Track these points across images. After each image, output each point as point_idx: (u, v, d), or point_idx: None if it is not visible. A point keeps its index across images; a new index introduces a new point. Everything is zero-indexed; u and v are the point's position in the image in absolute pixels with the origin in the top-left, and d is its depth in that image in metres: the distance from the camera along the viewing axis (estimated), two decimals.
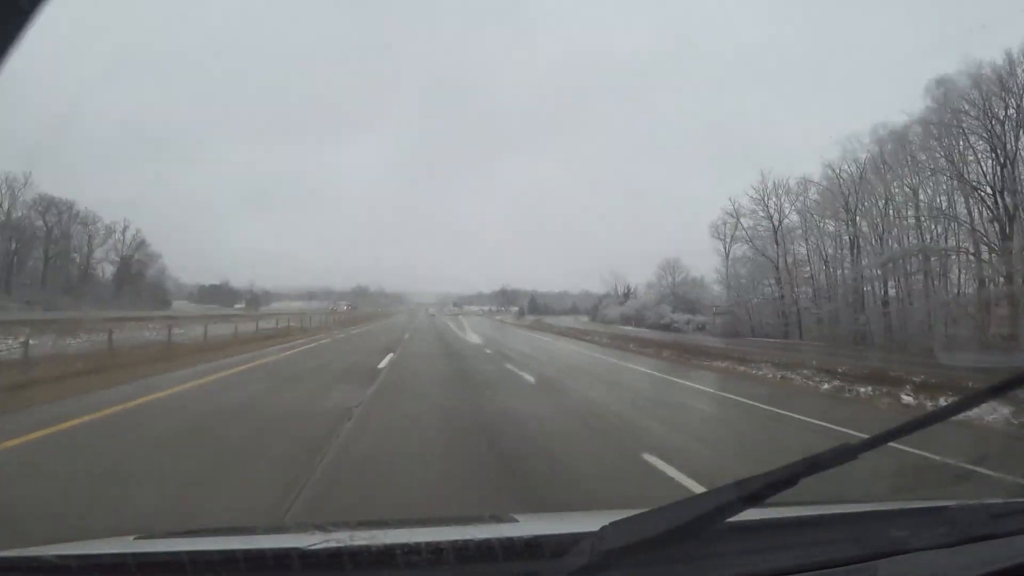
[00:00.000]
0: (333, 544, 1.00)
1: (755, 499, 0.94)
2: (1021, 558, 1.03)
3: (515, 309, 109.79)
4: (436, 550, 0.98)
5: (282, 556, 0.98)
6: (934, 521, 1.20)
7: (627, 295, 68.22)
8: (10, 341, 13.66)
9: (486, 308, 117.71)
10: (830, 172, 30.69)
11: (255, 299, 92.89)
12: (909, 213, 27.22)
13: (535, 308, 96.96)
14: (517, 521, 1.31)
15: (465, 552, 0.98)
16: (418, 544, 0.98)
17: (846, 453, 0.96)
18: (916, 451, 4.81)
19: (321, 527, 1.20)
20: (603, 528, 0.93)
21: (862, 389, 10.21)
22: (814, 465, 0.95)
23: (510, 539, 1.01)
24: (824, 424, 7.10)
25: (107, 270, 52.43)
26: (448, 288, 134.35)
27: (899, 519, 1.25)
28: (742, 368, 14.28)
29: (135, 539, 1.23)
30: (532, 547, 0.99)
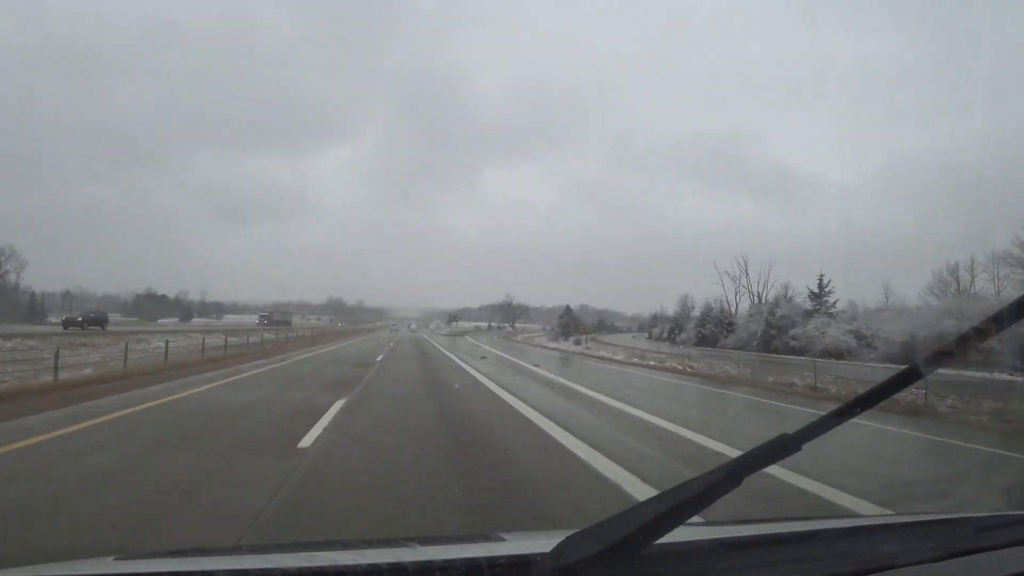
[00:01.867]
0: (319, 563, 0.99)
1: (703, 499, 0.87)
2: (1008, 571, 1.04)
3: (522, 323, 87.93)
4: (425, 569, 0.96)
5: None
6: (922, 536, 1.22)
7: (819, 297, 40.32)
8: None
9: (486, 324, 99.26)
10: None
11: (190, 312, 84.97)
12: None
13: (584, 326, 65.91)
14: (504, 540, 1.30)
15: (451, 571, 0.97)
16: (404, 563, 0.97)
17: (787, 445, 0.88)
18: None
19: (306, 546, 1.18)
20: (560, 542, 0.90)
21: None
22: (755, 461, 0.89)
23: (496, 557, 1.00)
24: None
25: None
26: (433, 304, 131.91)
27: (887, 534, 1.26)
28: None
29: (115, 559, 1.21)
30: (520, 565, 0.98)
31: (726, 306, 49.12)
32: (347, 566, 0.97)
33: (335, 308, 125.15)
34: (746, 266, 47.32)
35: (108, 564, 1.18)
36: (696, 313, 56.31)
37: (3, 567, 1.21)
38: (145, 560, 1.23)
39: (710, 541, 1.10)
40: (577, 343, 41.50)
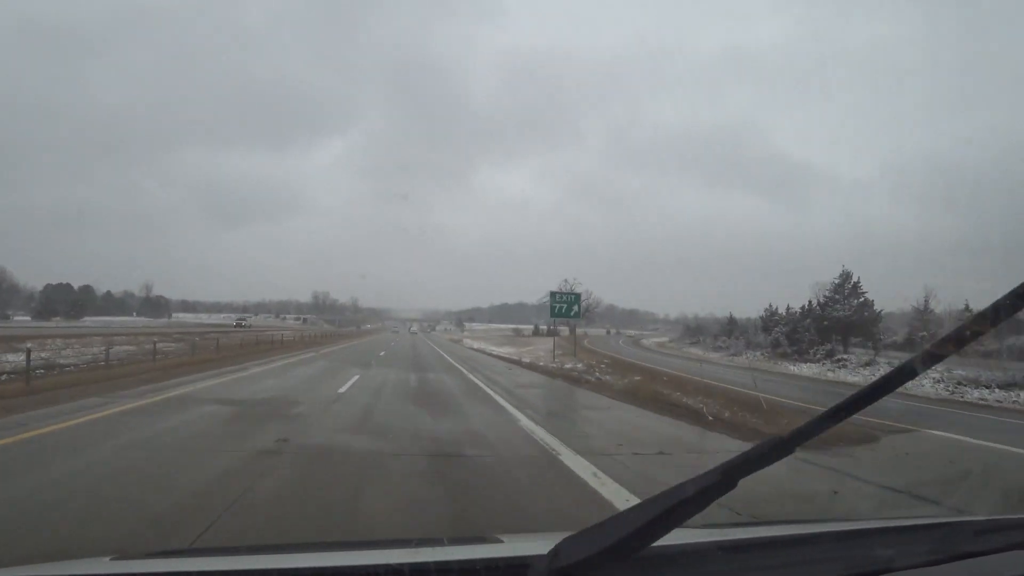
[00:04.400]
0: (317, 564, 0.98)
1: (697, 503, 0.87)
2: (1006, 575, 1.04)
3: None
4: (421, 571, 0.96)
5: None
6: (919, 539, 1.21)
7: None
8: None
9: (527, 328, 64.35)
10: None
11: (79, 309, 74.39)
12: None
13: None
14: (502, 541, 1.30)
15: (448, 573, 0.97)
16: (401, 565, 0.97)
17: (780, 447, 0.88)
18: None
19: (304, 547, 1.17)
20: (558, 544, 0.89)
21: None
22: (748, 462, 0.87)
23: (494, 559, 1.00)
24: None
25: None
26: (437, 305, 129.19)
27: (884, 537, 1.26)
28: None
29: (111, 559, 1.21)
30: (517, 567, 0.98)
31: None
32: (344, 567, 0.97)
33: (323, 307, 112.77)
34: None
35: (104, 564, 1.18)
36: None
37: (2, 566, 1.21)
38: (141, 560, 1.22)
39: (706, 544, 1.10)
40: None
